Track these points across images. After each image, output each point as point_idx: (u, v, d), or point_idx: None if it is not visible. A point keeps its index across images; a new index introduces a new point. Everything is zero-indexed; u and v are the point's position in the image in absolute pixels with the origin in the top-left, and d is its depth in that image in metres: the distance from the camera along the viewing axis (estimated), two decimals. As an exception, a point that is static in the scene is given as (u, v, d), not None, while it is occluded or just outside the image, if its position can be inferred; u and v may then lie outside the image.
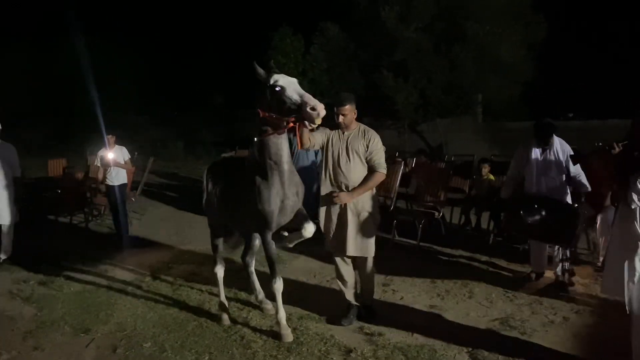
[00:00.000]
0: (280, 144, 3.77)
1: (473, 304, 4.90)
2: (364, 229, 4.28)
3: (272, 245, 3.99)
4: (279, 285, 4.04)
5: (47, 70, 19.99)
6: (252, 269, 4.87)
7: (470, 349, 3.91)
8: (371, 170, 4.26)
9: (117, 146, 7.57)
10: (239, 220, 4.34)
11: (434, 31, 14.00)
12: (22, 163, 6.61)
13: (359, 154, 4.24)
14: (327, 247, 4.45)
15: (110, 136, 7.54)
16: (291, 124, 3.61)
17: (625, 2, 15.83)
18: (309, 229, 3.97)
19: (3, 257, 6.32)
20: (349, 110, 4.22)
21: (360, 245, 4.30)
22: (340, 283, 4.50)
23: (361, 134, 4.27)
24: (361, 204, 4.27)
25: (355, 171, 4.24)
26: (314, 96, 3.53)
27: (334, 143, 4.30)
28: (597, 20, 17.07)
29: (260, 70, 3.71)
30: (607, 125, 13.51)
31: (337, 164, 4.26)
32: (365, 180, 4.24)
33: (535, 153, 5.20)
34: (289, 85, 3.58)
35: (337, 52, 15.32)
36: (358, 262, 4.46)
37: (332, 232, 4.34)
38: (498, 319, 4.53)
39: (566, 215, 4.88)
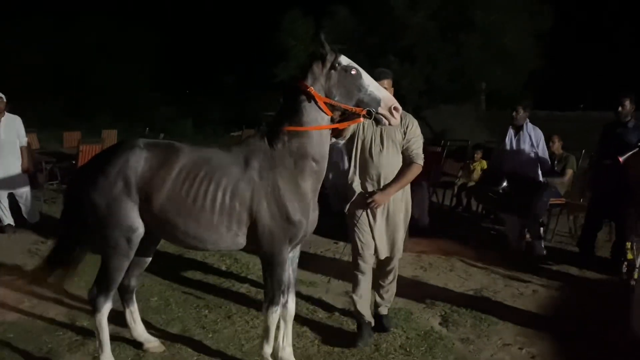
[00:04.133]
0: (327, 137, 3.05)
1: (452, 276, 5.33)
2: (396, 228, 3.78)
3: (286, 267, 3.09)
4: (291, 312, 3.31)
5: (62, 46, 20.38)
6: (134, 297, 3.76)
7: (443, 313, 4.36)
8: (407, 161, 3.69)
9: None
10: (198, 232, 3.02)
11: (441, 18, 14.22)
12: (38, 135, 6.99)
13: (396, 143, 3.67)
14: (354, 250, 3.81)
15: None
16: (361, 119, 2.99)
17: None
18: (291, 307, 3.31)
19: (31, 221, 6.71)
20: (387, 88, 3.46)
21: (391, 246, 3.80)
22: (354, 296, 3.82)
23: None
24: (394, 200, 3.75)
25: (390, 162, 3.67)
26: None
27: (365, 129, 3.68)
28: (603, 12, 17.16)
29: (327, 46, 2.89)
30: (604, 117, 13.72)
31: (368, 154, 3.69)
32: (401, 173, 3.66)
33: (510, 134, 5.99)
34: (364, 72, 2.93)
35: (346, 35, 15.55)
36: (383, 262, 3.89)
37: (362, 235, 3.74)
38: (473, 289, 4.96)
39: (529, 187, 5.43)
